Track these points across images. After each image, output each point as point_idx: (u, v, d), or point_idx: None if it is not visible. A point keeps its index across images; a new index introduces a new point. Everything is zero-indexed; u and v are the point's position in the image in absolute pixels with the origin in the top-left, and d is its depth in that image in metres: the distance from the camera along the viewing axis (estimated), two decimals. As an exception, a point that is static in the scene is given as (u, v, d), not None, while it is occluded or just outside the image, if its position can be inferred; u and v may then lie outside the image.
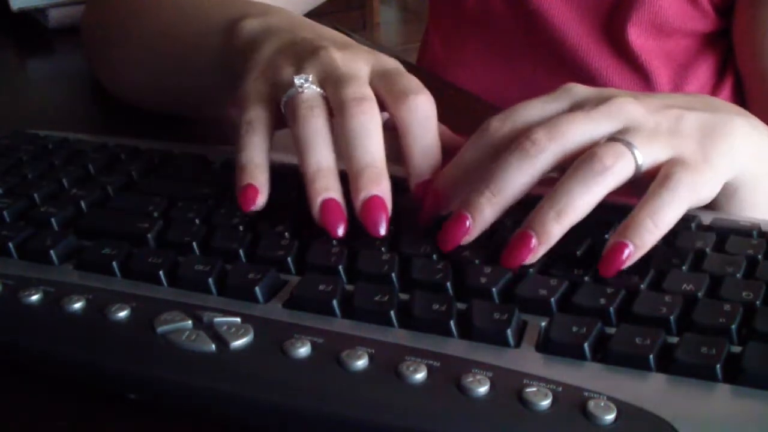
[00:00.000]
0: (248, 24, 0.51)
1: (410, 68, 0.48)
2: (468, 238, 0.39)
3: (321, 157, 0.41)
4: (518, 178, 0.39)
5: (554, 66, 0.73)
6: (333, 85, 0.44)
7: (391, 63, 0.47)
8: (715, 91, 0.73)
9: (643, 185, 0.39)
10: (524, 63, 0.75)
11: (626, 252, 0.37)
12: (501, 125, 0.42)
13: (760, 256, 0.39)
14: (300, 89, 0.44)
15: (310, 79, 0.44)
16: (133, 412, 0.36)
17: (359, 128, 0.42)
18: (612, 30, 0.70)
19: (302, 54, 0.46)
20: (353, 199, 0.40)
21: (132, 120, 0.66)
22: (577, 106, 0.42)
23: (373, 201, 0.40)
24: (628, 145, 0.39)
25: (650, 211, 0.38)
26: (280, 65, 0.46)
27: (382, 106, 0.44)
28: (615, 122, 0.40)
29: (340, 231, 0.40)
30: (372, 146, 0.41)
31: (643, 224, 0.37)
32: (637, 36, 0.69)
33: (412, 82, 0.44)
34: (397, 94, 0.44)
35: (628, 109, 0.41)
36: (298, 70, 0.45)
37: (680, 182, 0.38)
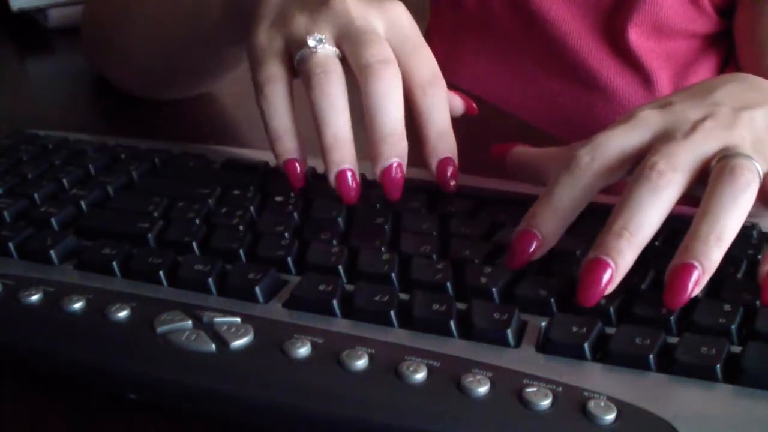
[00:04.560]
0: None
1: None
2: (611, 287, 0.36)
3: (337, 129, 0.43)
4: (654, 214, 0.37)
5: (555, 66, 0.73)
6: (351, 45, 0.44)
7: (403, 20, 0.47)
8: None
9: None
10: (525, 63, 0.75)
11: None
12: (590, 160, 0.39)
13: (760, 256, 0.39)
14: (314, 50, 0.43)
15: (324, 38, 0.44)
16: (133, 412, 0.36)
17: (382, 94, 0.42)
18: (612, 30, 0.70)
19: (314, 5, 0.46)
20: (373, 163, 0.43)
21: (132, 120, 0.66)
22: (663, 137, 0.40)
23: (392, 168, 0.43)
24: (748, 157, 0.38)
25: None
26: (292, 15, 0.46)
27: None
28: (713, 145, 0.39)
29: (353, 199, 0.43)
30: (393, 112, 0.43)
31: None
32: (637, 36, 0.69)
33: (426, 63, 0.46)
34: (416, 78, 0.45)
35: (716, 133, 0.39)
36: (311, 22, 0.45)
37: None
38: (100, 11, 0.68)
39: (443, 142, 0.45)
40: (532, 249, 0.38)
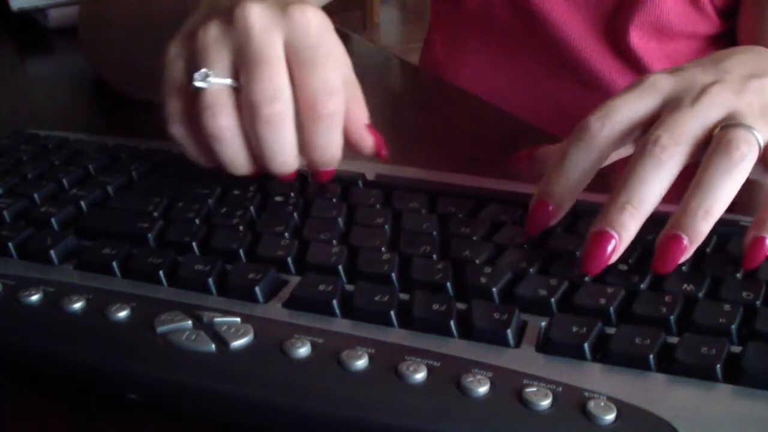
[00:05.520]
0: None
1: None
2: (615, 257, 0.37)
3: (236, 167, 0.44)
4: (656, 187, 0.38)
5: (556, 67, 0.73)
6: (244, 74, 0.42)
7: (309, 27, 0.43)
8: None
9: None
10: (526, 64, 0.75)
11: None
12: (601, 126, 0.40)
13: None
14: (204, 86, 0.42)
15: (212, 72, 0.42)
16: (133, 412, 0.36)
17: (270, 140, 0.42)
18: (614, 32, 0.70)
19: (220, 18, 0.43)
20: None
21: (132, 120, 0.66)
22: (672, 102, 0.40)
23: (285, 176, 0.45)
24: (748, 128, 0.38)
25: None
26: (197, 33, 0.44)
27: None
28: (719, 111, 0.39)
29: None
30: (283, 153, 0.43)
31: None
32: (639, 38, 0.69)
33: (321, 77, 0.43)
34: (307, 95, 0.43)
35: (723, 98, 0.40)
36: (212, 45, 0.43)
37: None
38: (95, 14, 0.68)
39: (323, 163, 0.45)
40: (547, 217, 0.40)
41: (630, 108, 0.41)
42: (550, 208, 0.40)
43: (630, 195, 0.37)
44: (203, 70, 0.43)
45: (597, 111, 0.41)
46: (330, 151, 0.44)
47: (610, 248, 0.37)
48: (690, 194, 0.37)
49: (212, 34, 0.43)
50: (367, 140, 0.46)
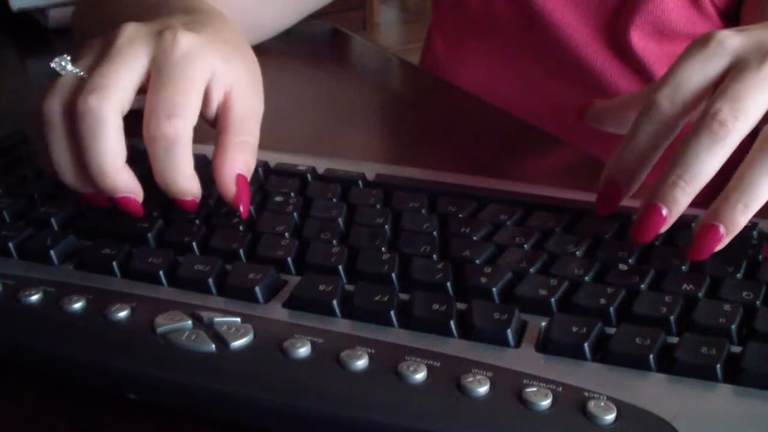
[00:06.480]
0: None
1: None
2: (665, 228, 0.39)
3: (61, 173, 0.42)
4: (711, 163, 0.38)
5: (556, 67, 0.73)
6: (92, 67, 0.42)
7: (175, 49, 0.43)
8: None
9: None
10: (527, 64, 0.75)
11: None
12: (669, 101, 0.40)
13: (760, 256, 0.39)
14: (57, 68, 0.43)
15: (68, 61, 0.43)
16: (133, 412, 0.36)
17: (83, 129, 0.41)
18: (614, 32, 0.70)
19: (108, 33, 0.44)
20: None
21: (132, 120, 0.66)
22: (739, 64, 0.40)
23: (120, 200, 0.42)
24: None
25: None
26: (90, 38, 0.45)
27: None
28: None
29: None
30: (99, 155, 0.41)
31: None
32: (639, 38, 0.69)
33: (166, 100, 0.41)
34: (149, 114, 0.41)
35: None
36: (86, 47, 0.44)
37: None
38: (88, 15, 0.68)
39: (170, 192, 0.42)
40: (619, 195, 0.41)
41: (697, 77, 0.40)
42: (621, 186, 0.41)
43: (683, 170, 0.38)
44: (64, 55, 0.43)
45: (664, 86, 0.40)
46: (170, 177, 0.41)
47: (661, 221, 0.38)
48: (732, 185, 0.37)
49: (93, 41, 0.44)
50: (229, 191, 0.42)
